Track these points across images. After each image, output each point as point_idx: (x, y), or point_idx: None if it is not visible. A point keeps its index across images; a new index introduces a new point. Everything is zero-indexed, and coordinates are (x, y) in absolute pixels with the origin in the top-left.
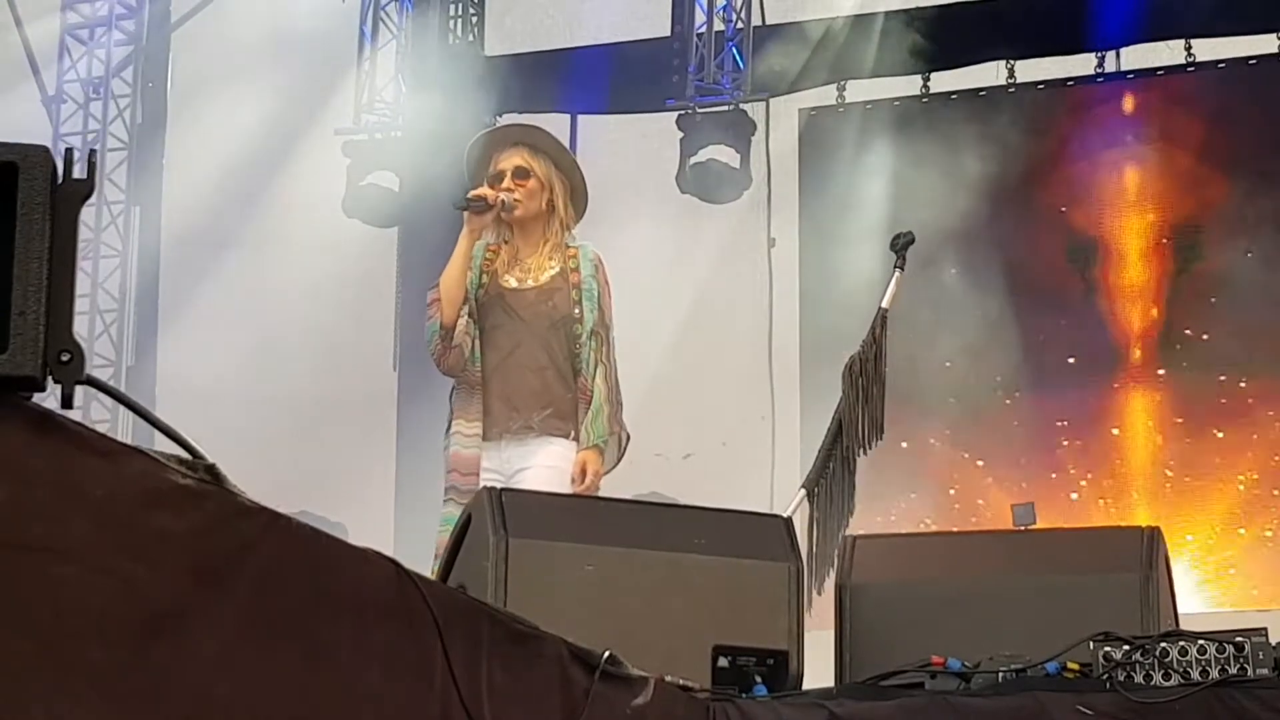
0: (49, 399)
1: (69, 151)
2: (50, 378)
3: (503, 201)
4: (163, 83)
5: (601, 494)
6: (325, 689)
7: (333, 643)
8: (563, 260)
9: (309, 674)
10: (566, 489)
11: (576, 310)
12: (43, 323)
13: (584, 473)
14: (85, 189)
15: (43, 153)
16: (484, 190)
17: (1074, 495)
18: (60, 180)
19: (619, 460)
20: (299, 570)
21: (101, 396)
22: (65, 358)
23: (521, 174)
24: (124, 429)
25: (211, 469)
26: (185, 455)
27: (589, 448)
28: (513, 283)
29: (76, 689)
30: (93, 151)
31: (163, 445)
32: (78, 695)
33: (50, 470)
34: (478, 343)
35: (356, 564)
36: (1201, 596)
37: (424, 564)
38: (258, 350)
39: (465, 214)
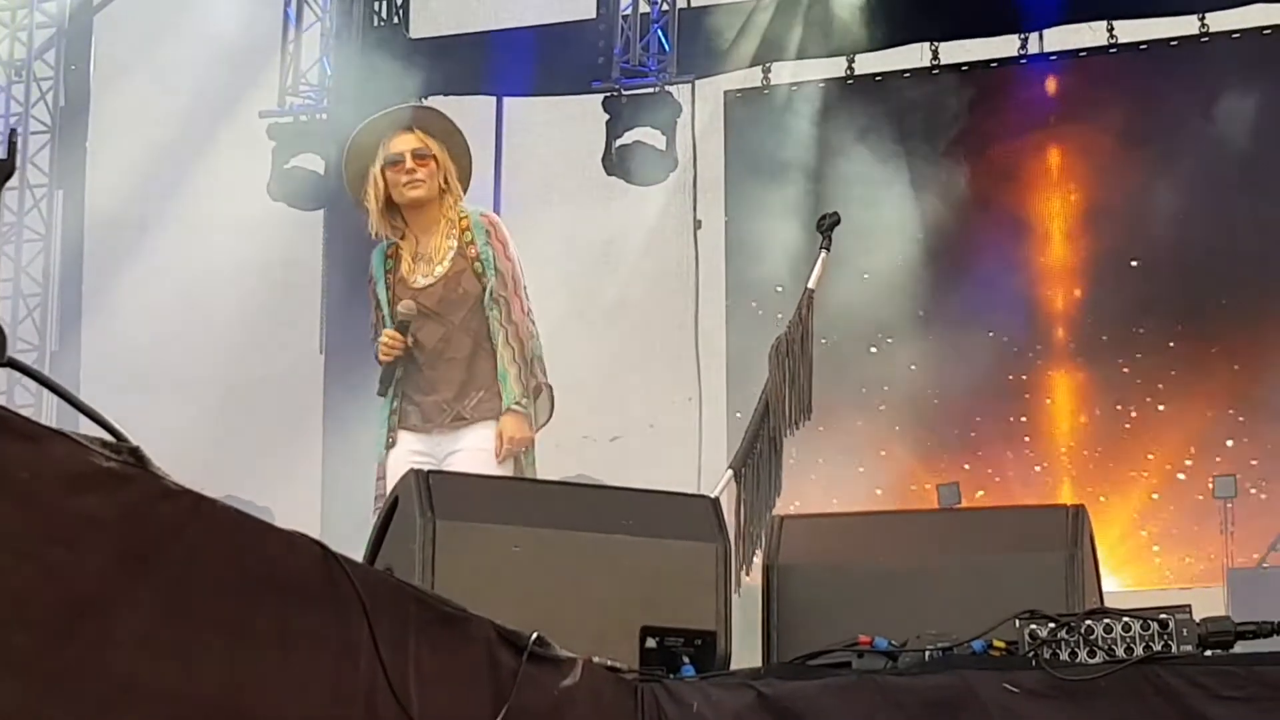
0: None
1: None
2: None
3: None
4: (85, 65)
5: (528, 476)
6: (250, 672)
7: (258, 626)
8: (458, 234)
9: (234, 657)
10: (496, 471)
11: (482, 283)
12: None
13: (502, 439)
14: (6, 169)
15: None
16: (393, 349)
17: (997, 474)
18: None
19: (551, 413)
20: (224, 553)
21: (25, 381)
22: None
23: (421, 155)
24: (47, 413)
25: (136, 452)
26: (109, 438)
27: (505, 413)
28: (420, 280)
29: None
30: (14, 131)
31: (87, 429)
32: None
33: None
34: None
35: (282, 547)
36: (1123, 575)
37: (350, 547)
38: (182, 334)
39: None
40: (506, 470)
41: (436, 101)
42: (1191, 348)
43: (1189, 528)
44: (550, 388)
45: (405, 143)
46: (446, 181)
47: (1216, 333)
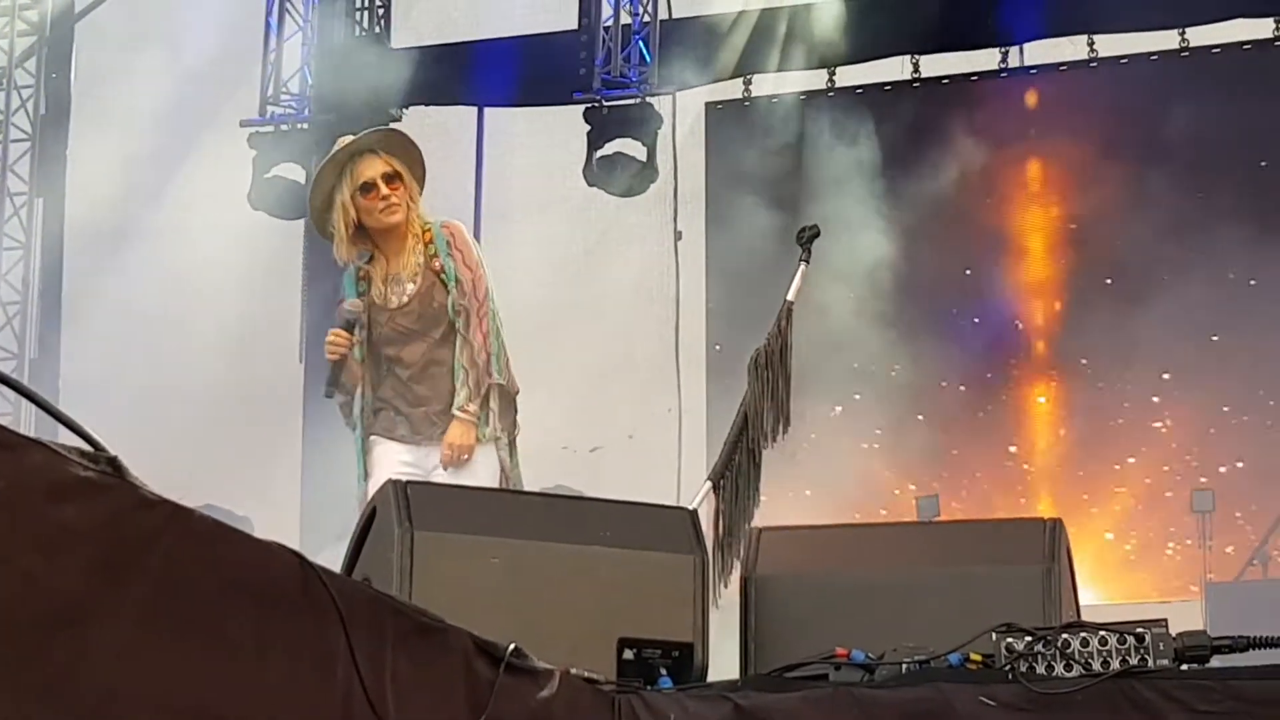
0: None
1: None
2: None
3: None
4: (66, 73)
5: (514, 484)
6: (228, 682)
7: (235, 636)
8: (423, 248)
9: (211, 667)
10: (484, 482)
11: (449, 293)
12: None
13: (443, 444)
14: None
15: None
16: (339, 347)
17: (977, 486)
18: None
19: (515, 413)
20: (202, 563)
21: (4, 390)
22: None
23: (391, 179)
24: (26, 422)
25: (114, 461)
26: (88, 448)
27: (455, 418)
28: (394, 301)
29: None
30: None
31: (66, 438)
32: None
33: None
34: (384, 366)
35: (260, 557)
36: (1100, 588)
37: (329, 557)
38: (162, 343)
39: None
40: (492, 479)
41: (417, 111)
42: (1170, 362)
43: (1167, 541)
44: (510, 389)
45: (374, 168)
46: (413, 198)
47: (1196, 347)
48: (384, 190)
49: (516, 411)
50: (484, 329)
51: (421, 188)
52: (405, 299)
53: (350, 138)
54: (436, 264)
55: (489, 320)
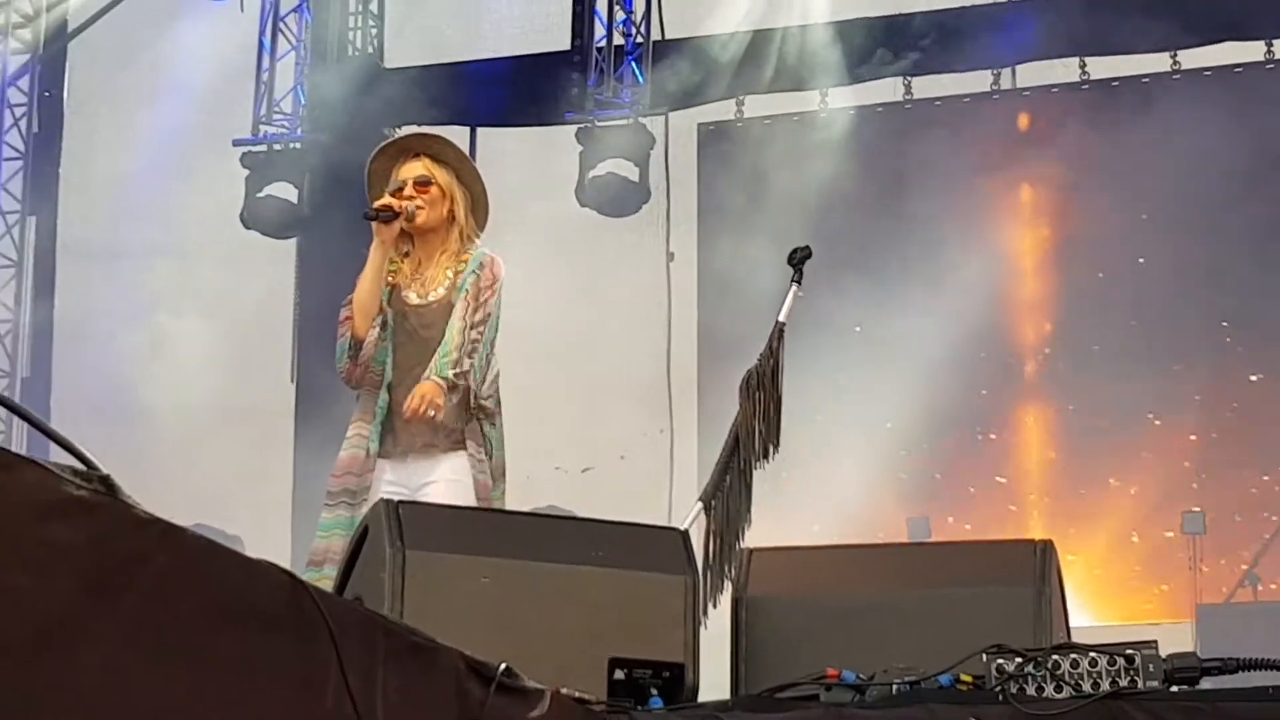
0: None
1: None
2: None
3: (407, 210)
4: (59, 92)
5: (502, 508)
6: (216, 702)
7: (225, 656)
8: (454, 268)
9: (200, 687)
10: (470, 501)
11: None
12: None
13: (416, 395)
14: None
15: None
16: (389, 200)
17: (968, 508)
18: None
19: (503, 465)
20: (192, 582)
21: None
22: None
23: (423, 182)
24: (18, 441)
25: (106, 480)
26: (80, 466)
27: (428, 380)
28: (414, 299)
29: None
30: None
31: (58, 457)
32: None
33: None
34: (388, 350)
35: (251, 576)
36: (1091, 610)
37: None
38: (154, 361)
39: (374, 225)
40: (464, 490)
41: (410, 131)
42: (1161, 382)
43: (1158, 563)
44: (491, 410)
45: (410, 170)
46: (452, 212)
47: (1186, 367)
48: (409, 191)
49: (504, 467)
50: (486, 348)
51: (480, 205)
52: (423, 302)
53: (413, 130)
54: (460, 281)
55: (486, 329)
